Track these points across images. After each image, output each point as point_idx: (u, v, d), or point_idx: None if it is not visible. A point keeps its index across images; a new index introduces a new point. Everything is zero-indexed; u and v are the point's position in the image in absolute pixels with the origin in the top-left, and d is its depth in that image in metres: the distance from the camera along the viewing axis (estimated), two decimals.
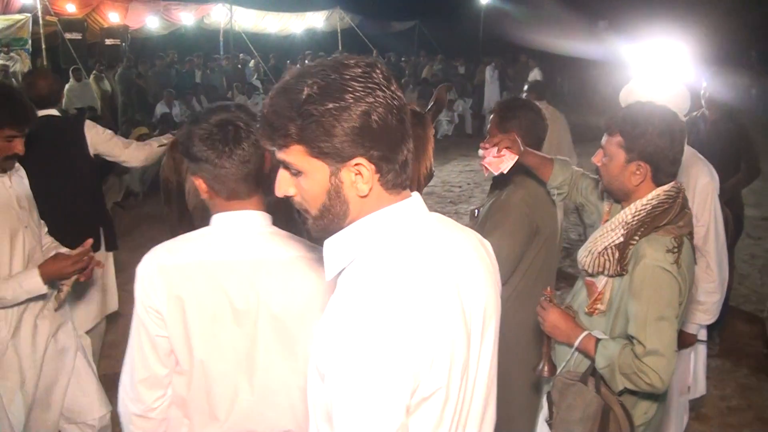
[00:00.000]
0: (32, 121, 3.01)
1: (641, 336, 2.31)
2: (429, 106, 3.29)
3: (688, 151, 3.38)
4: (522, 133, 3.18)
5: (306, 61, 18.26)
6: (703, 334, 3.62)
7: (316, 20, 21.03)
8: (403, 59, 22.07)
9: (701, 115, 5.53)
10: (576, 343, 2.51)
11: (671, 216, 2.39)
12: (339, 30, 21.39)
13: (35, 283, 2.95)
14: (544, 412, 2.71)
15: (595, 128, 3.27)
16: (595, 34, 23.38)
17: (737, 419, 4.61)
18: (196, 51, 17.22)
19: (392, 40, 24.07)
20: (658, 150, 2.37)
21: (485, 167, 3.03)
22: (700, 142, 5.44)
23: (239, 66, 17.07)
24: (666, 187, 2.44)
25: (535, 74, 15.46)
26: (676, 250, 2.34)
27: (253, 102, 15.18)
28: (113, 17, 14.80)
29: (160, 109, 13.23)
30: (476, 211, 3.41)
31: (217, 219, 1.98)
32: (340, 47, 21.49)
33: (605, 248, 2.46)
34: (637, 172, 2.41)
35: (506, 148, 2.96)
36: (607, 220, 2.65)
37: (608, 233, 2.49)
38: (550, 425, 2.62)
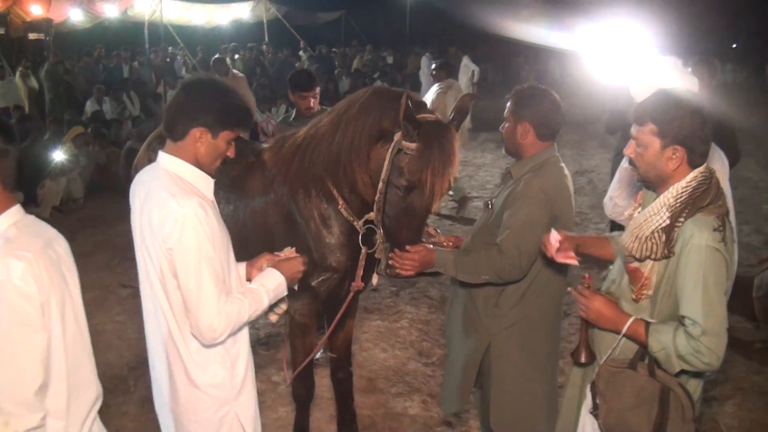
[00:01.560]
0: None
1: (696, 316, 2.34)
2: (451, 116, 3.21)
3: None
4: (536, 122, 3.14)
5: (232, 53, 17.86)
6: None
7: (241, 11, 20.59)
8: (333, 50, 21.85)
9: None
10: (624, 329, 2.50)
11: (711, 196, 2.44)
12: (265, 21, 21.01)
13: (280, 284, 2.74)
14: (587, 404, 2.70)
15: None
16: (520, 22, 23.75)
17: (719, 391, 4.76)
18: (121, 45, 16.48)
19: (319, 31, 23.82)
20: (691, 132, 2.44)
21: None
22: None
23: (168, 60, 16.46)
24: (701, 168, 2.49)
25: (466, 64, 15.52)
26: (721, 228, 2.40)
27: None
28: (36, 10, 13.98)
29: (91, 106, 12.62)
30: (489, 203, 3.34)
31: None
32: (266, 38, 21.14)
33: (652, 232, 2.46)
34: (674, 157, 2.46)
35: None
36: (637, 209, 2.69)
37: (652, 217, 2.48)
38: (595, 416, 2.61)
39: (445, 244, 3.45)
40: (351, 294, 3.55)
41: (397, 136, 3.09)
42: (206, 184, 2.61)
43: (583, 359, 2.70)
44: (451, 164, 3.09)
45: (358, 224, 3.40)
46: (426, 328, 5.88)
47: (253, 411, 2.77)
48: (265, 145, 3.86)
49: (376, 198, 3.22)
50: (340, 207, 3.42)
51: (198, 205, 2.44)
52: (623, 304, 2.61)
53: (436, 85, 9.16)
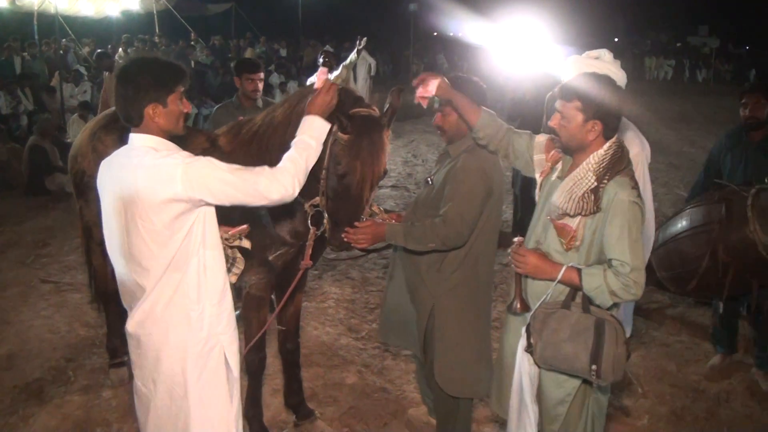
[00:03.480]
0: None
1: (624, 257, 2.86)
2: (385, 110, 3.52)
3: (623, 122, 3.92)
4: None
5: (126, 45, 17.42)
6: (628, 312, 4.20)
7: (131, 2, 19.95)
8: (230, 42, 21.61)
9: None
10: (559, 276, 2.99)
11: (626, 162, 2.99)
12: (155, 12, 20.50)
13: (313, 123, 3.13)
14: (522, 344, 3.17)
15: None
16: (406, 16, 24.32)
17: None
18: (8, 36, 15.68)
19: (210, 23, 23.49)
20: (608, 110, 2.95)
21: (421, 99, 3.45)
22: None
23: (61, 52, 15.86)
24: (613, 139, 3.02)
25: (363, 57, 15.82)
26: (636, 186, 2.97)
27: (81, 89, 14.26)
28: None
29: None
30: (429, 179, 3.74)
31: None
32: (156, 30, 20.67)
33: (584, 193, 2.95)
34: (593, 129, 2.96)
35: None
36: (549, 170, 3.21)
37: (581, 180, 2.97)
38: (531, 353, 3.09)
39: (387, 220, 3.81)
40: (301, 271, 3.82)
41: (335, 127, 3.38)
42: (177, 148, 2.85)
43: (519, 309, 3.15)
44: (379, 155, 3.40)
45: (307, 206, 3.68)
46: (352, 306, 6.24)
47: (236, 347, 3.03)
48: (217, 132, 4.08)
49: (319, 184, 3.51)
50: None
51: (187, 155, 2.74)
52: (553, 256, 3.07)
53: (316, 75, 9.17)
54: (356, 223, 3.47)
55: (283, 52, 21.75)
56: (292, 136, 3.21)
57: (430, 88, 3.39)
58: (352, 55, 9.36)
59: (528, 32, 10.06)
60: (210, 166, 2.72)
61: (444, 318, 3.62)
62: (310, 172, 3.55)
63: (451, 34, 27.79)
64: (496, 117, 3.45)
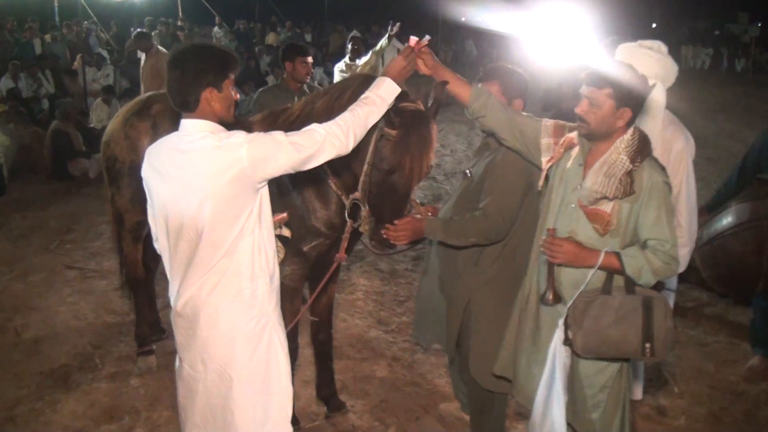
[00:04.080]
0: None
1: (662, 235, 3.00)
2: (429, 104, 3.56)
3: (667, 116, 3.92)
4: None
5: (150, 29, 17.54)
6: (672, 283, 4.19)
7: None
8: (254, 26, 21.70)
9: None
10: (599, 262, 3.03)
11: (650, 145, 3.09)
12: None
13: (387, 85, 3.17)
14: (558, 337, 3.18)
15: None
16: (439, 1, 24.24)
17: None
18: (28, 16, 15.87)
19: (233, 6, 23.59)
20: (638, 99, 3.05)
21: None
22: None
23: (84, 35, 16.05)
24: (635, 126, 3.11)
25: (393, 44, 15.79)
26: (664, 168, 3.09)
27: (104, 73, 14.42)
28: None
29: (5, 83, 12.24)
30: (468, 171, 3.76)
31: None
32: (180, 13, 20.83)
33: (620, 176, 3.00)
34: (622, 117, 3.03)
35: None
36: (560, 156, 3.24)
37: (616, 163, 3.02)
38: (570, 345, 3.13)
39: (424, 214, 3.85)
40: (335, 264, 3.88)
41: (380, 122, 3.40)
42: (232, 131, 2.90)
43: (551, 300, 3.17)
44: (428, 150, 3.45)
45: (346, 200, 3.73)
46: (381, 299, 6.29)
47: (282, 327, 3.07)
48: (251, 119, 4.13)
49: (361, 179, 3.56)
50: (330, 182, 3.75)
51: (245, 132, 2.81)
52: (586, 244, 3.09)
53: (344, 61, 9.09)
54: (397, 221, 3.52)
55: (308, 38, 21.76)
56: None
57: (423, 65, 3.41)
58: (383, 41, 9.39)
59: (562, 19, 9.97)
60: (273, 140, 2.79)
61: (480, 311, 3.65)
62: (352, 166, 3.61)
63: (480, 19, 27.68)
64: (491, 95, 3.44)
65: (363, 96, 3.11)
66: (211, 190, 2.73)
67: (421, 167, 3.43)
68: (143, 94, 4.83)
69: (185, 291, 2.90)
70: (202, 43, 2.92)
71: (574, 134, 3.21)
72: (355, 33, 11.58)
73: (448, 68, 3.46)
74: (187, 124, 2.85)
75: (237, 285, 2.87)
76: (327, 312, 4.36)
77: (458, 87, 3.42)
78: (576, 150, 3.20)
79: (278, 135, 2.82)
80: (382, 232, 3.55)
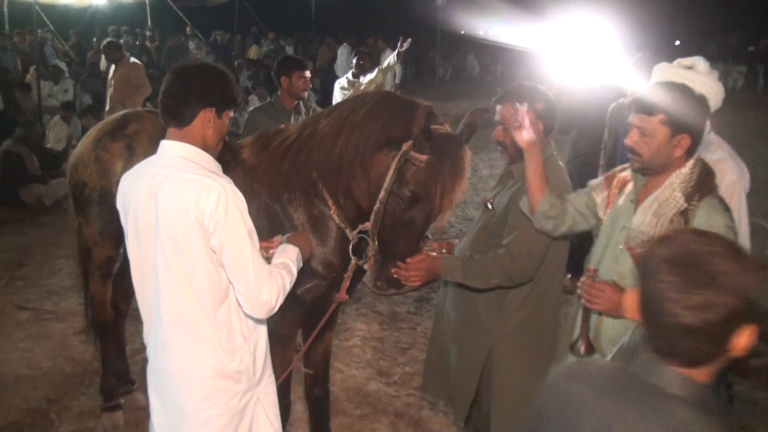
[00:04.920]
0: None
1: None
2: (460, 129, 3.57)
3: (717, 140, 3.91)
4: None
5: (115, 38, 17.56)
6: None
7: None
8: (234, 38, 21.81)
9: (629, 103, 6.14)
10: None
11: (713, 182, 3.02)
12: (147, 1, 20.72)
13: (299, 256, 3.12)
14: None
15: None
16: (432, 10, 24.49)
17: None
18: None
19: (210, 16, 23.72)
20: (696, 124, 2.98)
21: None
22: (625, 131, 6.07)
23: (38, 44, 16.02)
24: (696, 156, 3.04)
25: (387, 57, 15.87)
26: (728, 209, 2.98)
27: (62, 88, 14.39)
28: None
29: None
30: (489, 203, 3.73)
31: None
32: (149, 22, 20.89)
33: (672, 216, 2.94)
34: (680, 145, 2.97)
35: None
36: (615, 196, 3.21)
37: (668, 201, 2.97)
38: None
39: (437, 251, 3.81)
40: (334, 305, 3.83)
41: (406, 145, 3.41)
42: (218, 167, 2.91)
43: (583, 351, 3.10)
44: (461, 179, 3.44)
45: (351, 233, 3.69)
46: (381, 346, 6.21)
47: (273, 396, 3.09)
48: (240, 142, 4.10)
49: (375, 207, 3.52)
50: (332, 213, 3.71)
51: (229, 182, 2.77)
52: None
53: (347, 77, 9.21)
54: (409, 258, 3.48)
55: (290, 50, 21.89)
56: (343, 151, 3.23)
57: (525, 136, 3.36)
58: (391, 58, 9.45)
59: (578, 33, 10.03)
60: (244, 232, 2.76)
61: (504, 364, 3.61)
62: (356, 194, 3.58)
63: (482, 32, 28.02)
64: (557, 199, 3.40)
65: (279, 259, 3.02)
66: (175, 228, 2.74)
67: (451, 198, 3.41)
68: (118, 112, 4.77)
69: (156, 343, 2.93)
70: (219, 67, 2.98)
71: (627, 172, 3.17)
72: (363, 48, 11.68)
73: (538, 157, 3.41)
74: (166, 146, 2.85)
75: (216, 356, 2.86)
76: (323, 363, 4.29)
77: (536, 186, 3.36)
78: (630, 186, 3.16)
79: (250, 245, 2.77)
80: (393, 270, 3.50)
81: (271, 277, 2.81)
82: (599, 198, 3.30)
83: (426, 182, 3.39)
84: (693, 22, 25.48)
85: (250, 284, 2.76)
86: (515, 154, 3.62)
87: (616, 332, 3.07)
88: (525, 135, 3.34)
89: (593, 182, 3.35)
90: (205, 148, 2.86)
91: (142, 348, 5.54)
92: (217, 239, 2.71)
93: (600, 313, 3.08)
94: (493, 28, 24.44)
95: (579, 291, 3.08)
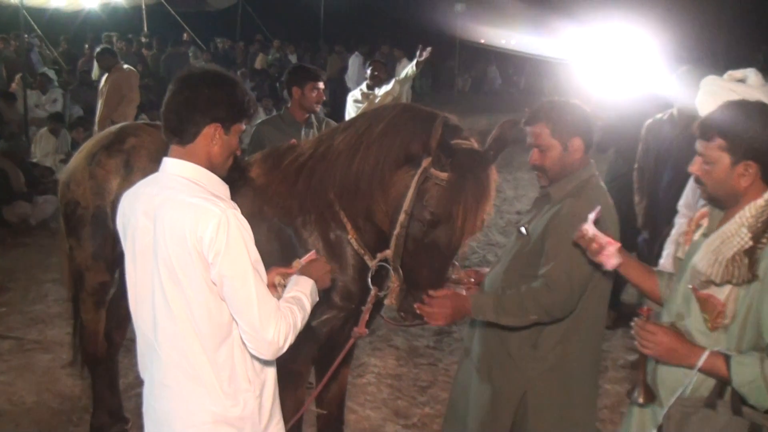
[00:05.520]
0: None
1: None
2: (488, 144, 3.52)
3: None
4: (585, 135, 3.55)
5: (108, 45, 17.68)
6: None
7: None
8: (237, 45, 21.92)
9: (669, 117, 6.09)
10: (700, 363, 2.81)
11: None
12: (144, 6, 20.88)
13: (313, 289, 3.03)
14: None
15: None
16: (450, 18, 24.60)
17: None
18: None
19: (211, 21, 23.85)
20: (764, 146, 2.81)
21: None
22: (668, 150, 6.01)
23: (25, 51, 16.10)
24: None
25: (404, 68, 15.86)
26: None
27: (50, 98, 14.45)
28: None
29: None
30: (523, 229, 3.67)
31: None
32: (145, 28, 21.00)
33: (734, 255, 2.81)
34: (746, 173, 2.84)
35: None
36: (693, 231, 3.09)
37: (732, 238, 2.84)
38: None
39: (465, 280, 3.75)
40: (352, 340, 3.79)
41: (425, 162, 3.37)
42: (224, 190, 2.85)
43: (641, 400, 3.01)
44: (486, 199, 3.40)
45: (371, 260, 3.65)
46: (397, 384, 6.15)
47: None
48: (248, 159, 4.07)
49: (395, 232, 3.48)
50: (350, 238, 3.67)
51: (233, 207, 2.70)
52: (695, 336, 2.91)
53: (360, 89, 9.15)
54: (434, 293, 3.42)
55: (293, 59, 21.98)
56: (361, 169, 3.17)
57: (612, 261, 3.21)
58: (409, 69, 9.44)
59: (616, 40, 10.01)
60: (248, 263, 2.69)
61: (540, 409, 3.54)
62: (377, 217, 3.53)
63: (504, 42, 28.14)
64: (664, 272, 3.33)
65: (291, 293, 2.94)
66: (172, 255, 2.68)
67: (475, 220, 3.37)
68: (115, 126, 4.76)
69: (153, 383, 2.87)
70: (227, 73, 2.91)
71: (707, 207, 3.09)
72: (377, 57, 11.68)
73: (635, 260, 3.36)
74: (169, 164, 2.81)
75: (219, 403, 2.78)
76: (337, 403, 4.26)
77: (642, 278, 3.29)
78: (706, 220, 3.07)
79: (256, 278, 2.71)
80: (416, 305, 3.44)
81: (278, 314, 2.72)
82: (684, 238, 3.20)
83: (447, 203, 3.34)
84: (736, 31, 25.34)
85: (254, 322, 2.67)
86: (555, 176, 3.58)
87: (674, 380, 2.95)
88: (615, 261, 3.18)
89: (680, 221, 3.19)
90: (211, 166, 2.80)
91: (137, 382, 5.58)
92: (217, 271, 2.64)
93: (657, 360, 2.99)
94: (517, 36, 24.50)
95: (633, 332, 2.99)
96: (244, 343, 2.76)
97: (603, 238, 3.16)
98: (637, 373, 3.07)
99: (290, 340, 2.76)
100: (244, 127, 2.87)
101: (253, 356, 2.81)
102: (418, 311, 3.45)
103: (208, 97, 2.74)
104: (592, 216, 3.17)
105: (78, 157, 4.62)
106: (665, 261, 4.55)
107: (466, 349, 3.93)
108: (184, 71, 2.91)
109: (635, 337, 2.96)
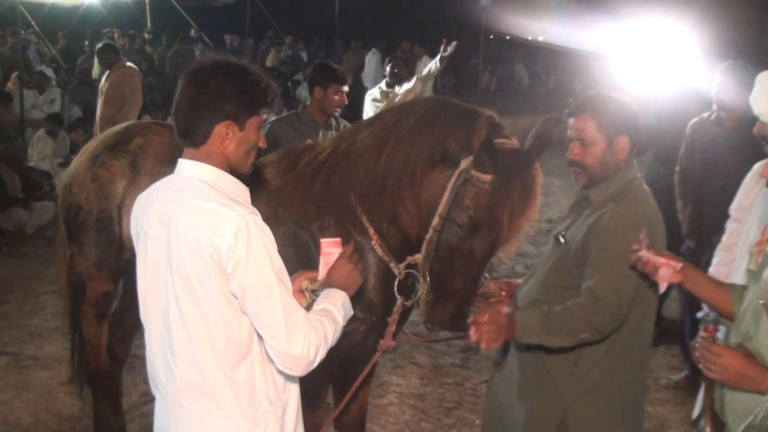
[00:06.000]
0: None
1: None
2: (530, 142, 3.49)
3: None
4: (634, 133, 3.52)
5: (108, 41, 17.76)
6: None
7: None
8: (245, 42, 22.03)
9: (716, 119, 6.01)
10: None
11: None
12: (147, 0, 20.99)
13: (345, 300, 2.95)
14: None
15: None
16: (474, 13, 24.56)
17: None
18: None
19: (218, 17, 23.93)
20: None
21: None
22: (715, 152, 5.92)
23: (21, 48, 16.21)
24: None
25: (427, 64, 15.84)
26: None
27: (48, 98, 14.51)
28: None
29: None
30: (561, 237, 3.60)
31: None
32: (149, 24, 21.11)
33: None
34: None
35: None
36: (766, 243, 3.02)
37: None
38: None
39: (496, 293, 3.70)
40: (377, 354, 3.73)
41: (464, 162, 3.33)
42: (244, 193, 2.80)
43: (709, 430, 2.94)
44: (533, 203, 3.38)
45: (397, 267, 3.62)
46: (421, 405, 6.10)
47: None
48: (262, 160, 4.04)
49: (427, 236, 3.44)
50: (373, 243, 3.63)
51: (252, 212, 2.65)
52: (766, 358, 2.82)
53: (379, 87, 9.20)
54: (476, 315, 3.29)
55: (304, 56, 22.04)
56: (389, 167, 3.14)
57: (665, 283, 3.16)
58: (432, 65, 9.43)
59: (654, 34, 9.93)
60: (271, 272, 2.64)
61: (581, 431, 3.48)
62: (403, 220, 3.49)
63: (531, 38, 28.13)
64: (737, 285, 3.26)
65: (321, 305, 2.87)
66: (187, 266, 2.63)
67: (519, 225, 3.36)
68: (120, 125, 4.74)
69: (167, 402, 2.83)
70: (235, 61, 2.84)
71: None
72: (398, 54, 11.69)
73: (703, 274, 3.29)
74: (184, 165, 2.77)
75: (236, 423, 2.74)
76: (358, 425, 4.23)
77: (712, 292, 3.21)
78: None
79: (280, 286, 2.65)
80: (472, 331, 3.27)
81: (307, 325, 2.66)
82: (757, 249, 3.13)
83: (491, 207, 3.31)
84: None
85: (280, 336, 2.61)
86: (596, 176, 3.52)
87: (743, 406, 2.87)
88: (669, 280, 3.13)
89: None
90: (230, 166, 2.76)
91: (141, 402, 5.57)
92: (237, 282, 2.59)
93: (722, 384, 2.92)
94: (546, 30, 24.45)
95: (697, 354, 2.91)
96: (265, 361, 2.72)
97: (657, 260, 3.10)
98: (703, 399, 3.00)
99: (321, 354, 2.71)
100: (264, 116, 2.80)
101: (275, 375, 2.77)
102: (473, 339, 3.26)
103: (215, 93, 2.68)
104: (642, 237, 3.12)
105: (80, 158, 4.61)
106: (715, 270, 4.48)
107: (497, 366, 3.86)
108: (191, 66, 2.85)
109: (700, 359, 2.87)
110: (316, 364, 2.71)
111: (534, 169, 3.40)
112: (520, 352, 3.65)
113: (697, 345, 2.89)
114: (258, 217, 2.66)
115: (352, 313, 2.96)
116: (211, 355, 2.68)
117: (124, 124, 4.77)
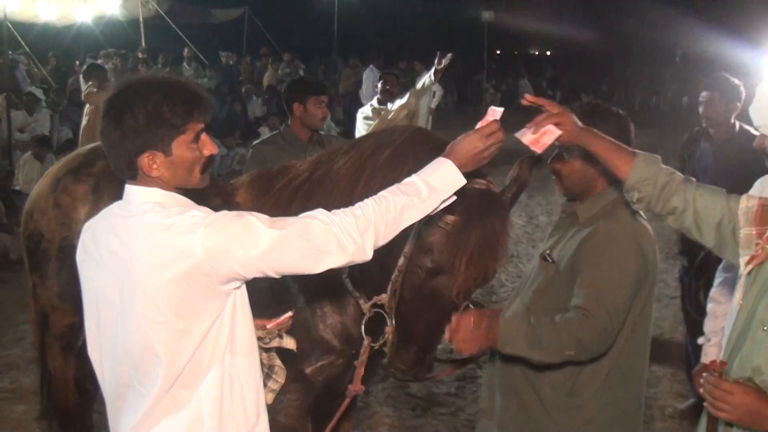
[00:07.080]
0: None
1: None
2: (506, 185, 3.39)
3: None
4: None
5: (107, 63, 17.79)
6: None
7: (109, 6, 20.61)
8: (242, 60, 22.17)
9: (703, 133, 5.92)
10: None
11: None
12: (141, 19, 21.15)
13: (446, 171, 2.80)
14: None
15: None
16: (477, 27, 24.69)
17: None
18: None
19: (215, 34, 24.08)
20: None
21: (534, 146, 3.09)
22: (705, 168, 5.80)
23: (9, 68, 16.25)
24: None
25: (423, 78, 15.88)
26: None
27: (37, 119, 14.50)
28: None
29: None
30: (547, 256, 3.50)
31: None
32: (143, 42, 21.22)
33: None
34: None
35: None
36: (763, 256, 2.78)
37: None
38: None
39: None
40: (347, 400, 3.63)
41: None
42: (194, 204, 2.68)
43: None
44: (496, 251, 3.26)
45: (365, 305, 3.53)
46: None
47: None
48: (233, 182, 3.95)
49: (393, 276, 3.35)
50: (344, 276, 3.54)
51: (207, 210, 2.54)
52: None
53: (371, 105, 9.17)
54: (455, 317, 3.20)
55: (301, 72, 22.18)
56: (362, 198, 3.04)
57: (546, 138, 3.05)
58: (426, 79, 9.38)
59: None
60: (245, 223, 2.50)
61: None
62: (380, 259, 3.35)
63: (536, 52, 28.24)
64: (659, 161, 3.04)
65: (408, 180, 2.77)
66: (151, 290, 2.49)
67: (484, 273, 3.28)
68: (82, 147, 4.65)
69: None
70: (150, 77, 2.67)
71: None
72: (393, 71, 11.69)
73: (598, 134, 3.06)
74: (130, 191, 2.64)
75: None
76: None
77: (617, 161, 2.98)
78: None
79: (255, 216, 2.54)
80: (447, 331, 3.20)
81: (340, 221, 2.57)
82: (743, 231, 2.81)
83: (450, 250, 3.20)
84: None
85: (305, 255, 2.54)
86: (575, 187, 3.44)
87: None
88: (547, 137, 3.03)
89: (745, 203, 2.82)
90: (176, 186, 2.62)
91: None
92: (222, 260, 2.46)
93: (729, 424, 2.72)
94: (551, 46, 24.59)
95: (701, 390, 2.74)
96: (234, 378, 2.63)
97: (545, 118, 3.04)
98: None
99: (381, 235, 2.65)
100: (191, 133, 2.56)
101: (247, 392, 2.68)
102: (447, 337, 3.21)
103: (123, 130, 2.51)
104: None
105: (42, 183, 4.53)
106: (716, 292, 4.32)
107: (489, 394, 3.71)
108: (107, 98, 2.66)
109: (705, 397, 2.70)
110: (375, 247, 2.64)
111: (502, 215, 3.28)
112: (509, 380, 3.54)
113: (702, 381, 2.72)
114: (212, 212, 2.54)
115: (461, 183, 2.83)
116: (180, 370, 2.57)
117: (90, 146, 4.67)
